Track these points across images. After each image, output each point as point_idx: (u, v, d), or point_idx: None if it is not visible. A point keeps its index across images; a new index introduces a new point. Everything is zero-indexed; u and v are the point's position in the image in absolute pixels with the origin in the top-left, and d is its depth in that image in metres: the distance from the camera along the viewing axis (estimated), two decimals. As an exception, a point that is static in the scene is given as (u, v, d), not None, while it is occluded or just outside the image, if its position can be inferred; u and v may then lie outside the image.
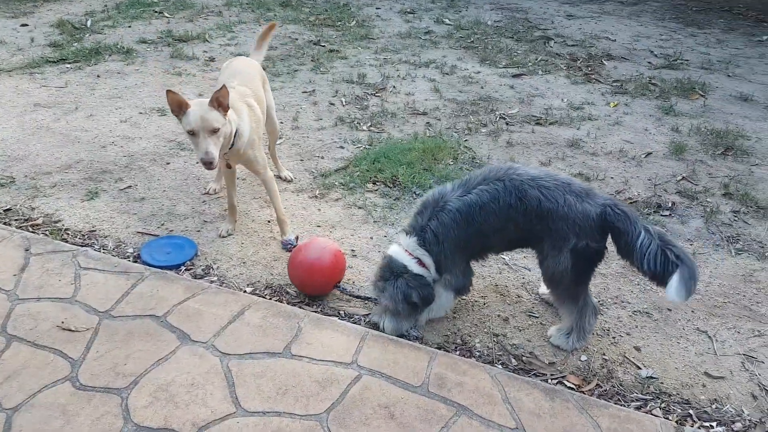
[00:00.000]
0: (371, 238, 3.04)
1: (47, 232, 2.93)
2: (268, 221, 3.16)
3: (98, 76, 4.97)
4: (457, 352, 2.29)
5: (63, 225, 3.01)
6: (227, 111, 2.51)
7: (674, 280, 1.91)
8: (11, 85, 4.71)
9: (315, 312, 2.48)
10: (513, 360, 2.26)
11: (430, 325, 2.43)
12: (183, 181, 3.47)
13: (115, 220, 3.08)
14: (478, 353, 2.29)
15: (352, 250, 2.93)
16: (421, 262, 2.26)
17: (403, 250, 2.27)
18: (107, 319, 2.34)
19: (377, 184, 3.53)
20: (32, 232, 2.92)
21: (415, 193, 3.42)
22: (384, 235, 3.07)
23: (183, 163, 3.67)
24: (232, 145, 2.64)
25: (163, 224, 3.07)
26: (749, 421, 2.02)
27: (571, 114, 4.56)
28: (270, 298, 2.57)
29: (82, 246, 2.82)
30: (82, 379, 2.08)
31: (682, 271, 1.92)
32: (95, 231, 2.98)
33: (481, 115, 4.55)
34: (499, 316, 2.49)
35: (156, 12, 7.03)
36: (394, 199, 3.37)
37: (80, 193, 3.28)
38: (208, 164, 2.43)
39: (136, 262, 2.77)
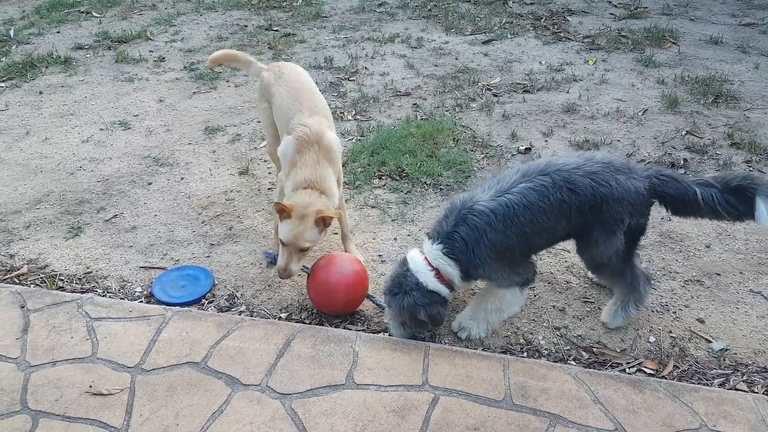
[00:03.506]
0: (395, 239, 2.88)
1: (38, 282, 2.61)
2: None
3: (41, 93, 4.48)
4: (525, 354, 2.19)
5: (53, 270, 2.68)
6: (328, 227, 2.32)
7: (761, 207, 1.88)
8: (-57, 113, 4.17)
9: (364, 331, 2.32)
10: (584, 353, 2.18)
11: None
12: (173, 202, 3.17)
13: (111, 257, 2.77)
14: (546, 351, 2.20)
15: (380, 256, 2.77)
16: (439, 274, 2.07)
17: (423, 258, 2.09)
18: (141, 375, 2.10)
19: (383, 178, 3.34)
20: (20, 283, 2.59)
21: (425, 183, 3.26)
22: (407, 234, 2.91)
23: (166, 181, 3.36)
24: None
25: (166, 254, 2.79)
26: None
27: (555, 77, 4.48)
28: (311, 323, 2.38)
29: (84, 293, 2.53)
30: (133, 451, 1.86)
31: (761, 193, 1.89)
32: (91, 272, 2.68)
33: (466, 88, 4.40)
34: (554, 307, 2.41)
35: (82, 12, 6.42)
36: (406, 193, 3.21)
37: (61, 231, 2.94)
38: (283, 278, 2.30)
39: (149, 302, 2.50)
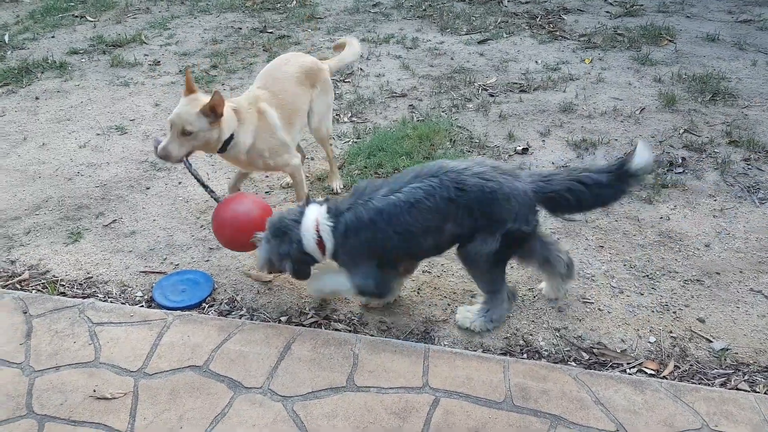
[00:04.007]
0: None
1: (39, 287, 2.61)
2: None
3: (37, 98, 4.47)
4: (525, 356, 2.20)
5: (54, 276, 2.68)
6: (220, 118, 2.39)
7: (637, 154, 1.98)
8: (-60, 119, 4.16)
9: (364, 334, 2.33)
10: (584, 354, 2.19)
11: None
12: (171, 207, 3.17)
13: (111, 262, 2.77)
14: (546, 353, 2.21)
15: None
16: (321, 242, 2.16)
17: (315, 220, 2.17)
18: (144, 379, 2.10)
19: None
20: (21, 289, 2.59)
21: (423, 183, 3.27)
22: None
23: (164, 186, 3.36)
24: (224, 150, 2.53)
25: (165, 259, 2.80)
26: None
27: (551, 76, 4.49)
28: (311, 326, 2.39)
29: (85, 298, 2.53)
30: (137, 455, 1.87)
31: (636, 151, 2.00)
32: (92, 277, 2.68)
33: (462, 89, 4.41)
34: (552, 307, 2.42)
35: (76, 16, 6.40)
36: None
37: (61, 236, 2.94)
38: (161, 158, 2.41)
39: (150, 306, 2.51)
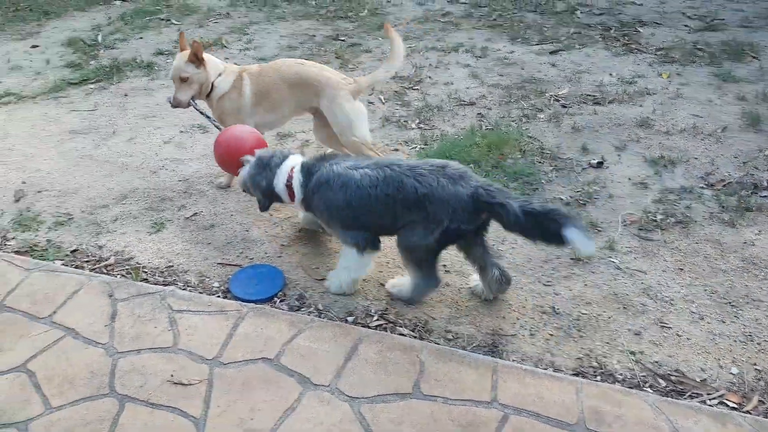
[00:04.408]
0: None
1: (124, 273, 2.78)
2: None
3: (126, 95, 4.77)
4: (598, 378, 2.15)
5: (137, 262, 2.85)
6: (202, 62, 2.98)
7: (574, 233, 2.03)
8: (39, 112, 4.50)
9: (433, 343, 2.34)
10: (661, 381, 2.12)
11: (557, 348, 2.29)
12: (247, 203, 3.30)
13: (191, 252, 2.92)
14: (620, 376, 2.15)
15: (444, 266, 2.78)
16: (291, 190, 2.48)
17: (290, 168, 2.48)
18: (218, 368, 2.20)
19: (448, 186, 3.36)
20: (108, 273, 2.77)
21: (492, 193, 3.25)
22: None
23: (240, 182, 3.50)
24: (209, 96, 3.11)
25: (241, 253, 2.92)
26: None
27: (627, 90, 4.37)
28: (376, 328, 2.42)
29: (166, 285, 2.67)
30: (212, 439, 1.95)
31: (573, 223, 2.05)
32: (173, 266, 2.83)
33: (532, 99, 4.37)
34: (629, 330, 2.35)
35: (162, 20, 6.76)
36: (472, 202, 3.21)
37: (145, 226, 3.12)
38: (174, 107, 3.12)
39: (226, 297, 2.62)
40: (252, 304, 2.54)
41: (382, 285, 2.66)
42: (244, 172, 2.61)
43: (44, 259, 2.84)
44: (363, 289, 2.66)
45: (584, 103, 4.28)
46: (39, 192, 3.43)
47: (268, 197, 2.58)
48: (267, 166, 2.53)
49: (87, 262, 2.85)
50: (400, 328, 2.42)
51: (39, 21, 6.95)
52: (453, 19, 6.31)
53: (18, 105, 4.66)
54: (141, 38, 6.15)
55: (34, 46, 6.03)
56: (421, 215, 2.22)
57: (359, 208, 2.33)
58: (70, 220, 3.17)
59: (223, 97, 3.10)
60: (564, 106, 4.23)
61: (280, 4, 7.20)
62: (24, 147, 3.96)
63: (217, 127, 3.19)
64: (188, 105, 3.12)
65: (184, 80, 3.02)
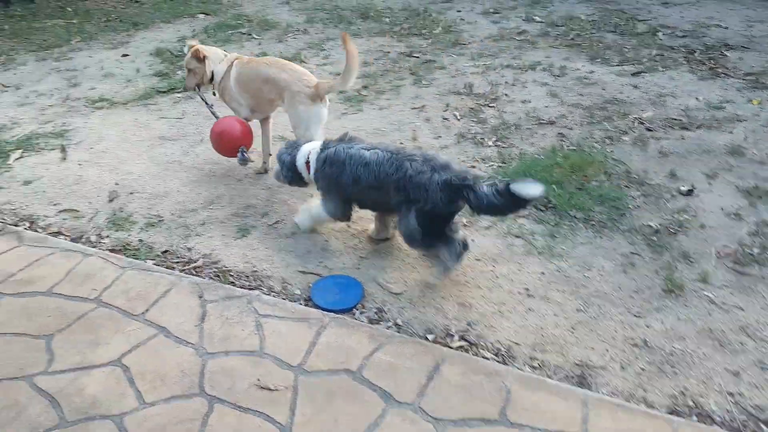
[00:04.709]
0: (542, 273, 2.83)
1: (212, 275, 2.88)
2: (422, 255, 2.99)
3: (211, 105, 4.96)
4: (695, 418, 2.04)
5: (224, 266, 2.95)
6: (202, 59, 3.64)
7: (517, 186, 2.33)
8: (130, 118, 4.77)
9: (517, 369, 2.29)
10: (764, 427, 1.99)
11: (649, 383, 2.19)
12: (325, 213, 3.35)
13: (274, 259, 2.99)
14: (719, 418, 2.03)
15: (526, 289, 2.73)
16: (308, 164, 2.95)
17: (307, 152, 2.97)
18: (303, 375, 2.24)
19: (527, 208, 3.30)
20: (196, 275, 2.87)
21: (574, 217, 3.18)
22: (556, 269, 2.85)
23: (319, 192, 3.56)
24: (212, 80, 3.72)
25: (321, 262, 2.96)
26: None
27: (715, 115, 4.19)
28: (458, 349, 2.39)
29: (251, 289, 2.75)
30: (298, 447, 1.98)
31: (514, 180, 2.37)
32: (257, 271, 2.91)
33: (615, 120, 4.25)
34: (726, 369, 2.22)
35: (244, 33, 7.03)
36: (553, 225, 3.15)
37: (231, 231, 3.23)
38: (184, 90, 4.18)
39: (307, 305, 2.66)
40: (332, 313, 2.57)
41: (462, 305, 2.64)
42: (277, 160, 3.14)
43: (137, 258, 2.98)
44: (442, 307, 2.64)
45: (670, 127, 4.12)
46: (131, 194, 3.62)
47: (291, 170, 3.04)
48: (293, 146, 3.08)
49: (177, 262, 2.97)
50: (483, 351, 2.38)
51: (128, 31, 7.40)
52: (529, 38, 6.25)
53: (111, 110, 4.96)
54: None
55: (124, 55, 6.41)
56: (403, 197, 2.61)
57: (362, 183, 2.73)
58: (160, 222, 3.32)
59: (220, 81, 3.71)
60: (649, 130, 4.09)
61: (355, 21, 7.35)
62: (117, 150, 4.20)
63: (214, 114, 3.82)
64: (194, 89, 3.84)
65: (190, 70, 3.71)
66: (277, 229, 3.24)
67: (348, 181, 2.76)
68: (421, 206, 2.55)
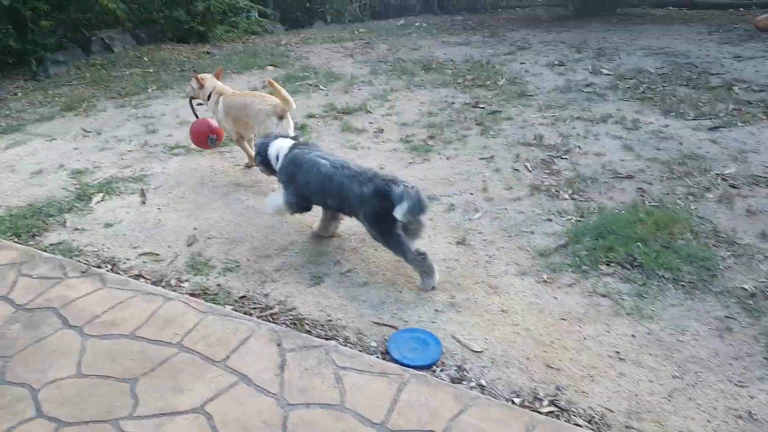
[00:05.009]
0: (633, 336, 2.67)
1: (288, 322, 2.86)
2: (503, 310, 2.89)
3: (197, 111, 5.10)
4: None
5: (299, 313, 2.93)
6: (202, 85, 4.73)
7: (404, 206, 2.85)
8: (207, 164, 4.96)
9: (614, 433, 2.13)
10: None
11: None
12: (397, 263, 3.32)
13: (347, 308, 2.96)
14: None
15: (617, 352, 2.57)
16: (277, 159, 3.47)
17: (279, 147, 3.48)
18: (386, 435, 2.15)
19: (611, 265, 3.17)
20: (273, 322, 2.87)
21: (663, 277, 3.02)
22: (647, 332, 2.69)
23: (391, 242, 3.54)
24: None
25: (395, 314, 2.91)
26: None
27: (807, 173, 3.96)
28: (547, 415, 2.26)
29: (328, 339, 2.71)
30: None
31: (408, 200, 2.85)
32: (332, 320, 2.88)
33: (696, 176, 4.08)
34: None
35: (310, 85, 7.29)
36: (641, 285, 2.99)
37: (305, 278, 3.23)
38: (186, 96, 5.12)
39: (384, 358, 2.60)
40: (412, 369, 2.49)
41: (549, 367, 2.51)
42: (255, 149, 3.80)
43: (216, 303, 3.01)
44: (527, 368, 2.52)
45: (756, 184, 3.92)
46: (209, 238, 3.71)
47: (263, 158, 3.55)
48: (270, 138, 3.59)
49: (254, 308, 2.99)
50: (576, 418, 2.23)
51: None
52: (597, 90, 6.20)
53: (187, 156, 5.18)
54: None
55: (199, 104, 6.74)
56: (347, 204, 3.15)
57: (312, 187, 3.27)
58: (237, 267, 3.37)
59: (212, 109, 4.76)
60: (733, 187, 3.90)
61: (418, 73, 7.53)
62: (194, 195, 4.35)
63: (196, 116, 4.97)
64: (189, 99, 5.00)
65: (193, 89, 4.86)
66: (349, 277, 3.22)
67: (302, 181, 3.28)
68: (365, 210, 3.05)
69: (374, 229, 3.10)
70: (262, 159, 3.56)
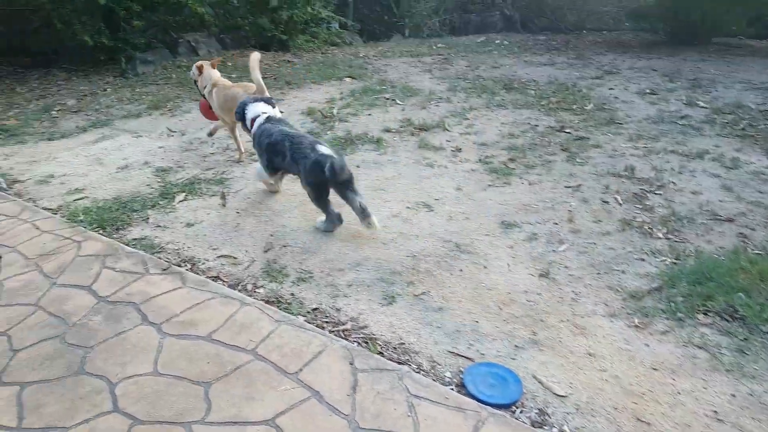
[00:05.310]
0: (733, 395, 2.42)
1: (360, 341, 2.80)
2: (590, 354, 2.70)
3: (358, 167, 5.09)
4: None
5: (371, 332, 2.86)
6: (201, 72, 5.07)
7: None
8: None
9: None
10: None
11: None
12: (474, 291, 3.20)
13: (421, 333, 2.86)
14: None
15: (715, 412, 2.34)
16: (252, 123, 4.08)
17: (256, 113, 4.09)
18: (461, 476, 2.02)
19: (709, 314, 2.91)
20: (345, 338, 2.81)
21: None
22: (749, 393, 2.43)
23: (466, 268, 3.42)
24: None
25: (472, 345, 2.78)
26: None
27: None
28: (642, 473, 2.06)
29: (400, 363, 2.62)
30: None
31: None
32: (404, 344, 2.79)
33: (808, 225, 3.71)
34: None
35: (387, 99, 7.29)
36: (742, 340, 2.72)
37: (377, 296, 3.16)
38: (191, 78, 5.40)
39: (459, 391, 2.47)
40: (489, 407, 2.35)
41: (639, 420, 2.31)
42: (238, 107, 4.31)
43: (289, 312, 2.99)
44: (615, 419, 2.33)
45: None
46: (284, 246, 3.72)
47: (241, 115, 4.16)
48: (253, 99, 4.22)
49: (327, 322, 2.94)
50: (673, 483, 2.02)
51: (282, 89, 7.98)
52: (693, 123, 5.84)
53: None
54: (370, 115, 6.66)
55: (280, 112, 6.89)
56: (297, 169, 3.74)
57: (271, 152, 3.88)
58: (310, 278, 3.35)
59: (207, 95, 5.13)
60: None
61: (498, 92, 7.37)
62: (271, 202, 4.40)
63: (203, 96, 5.20)
64: (194, 81, 5.28)
65: (195, 74, 5.16)
66: (423, 300, 3.12)
67: (267, 149, 3.88)
68: (305, 176, 3.67)
69: (310, 189, 3.80)
70: (241, 115, 4.19)
